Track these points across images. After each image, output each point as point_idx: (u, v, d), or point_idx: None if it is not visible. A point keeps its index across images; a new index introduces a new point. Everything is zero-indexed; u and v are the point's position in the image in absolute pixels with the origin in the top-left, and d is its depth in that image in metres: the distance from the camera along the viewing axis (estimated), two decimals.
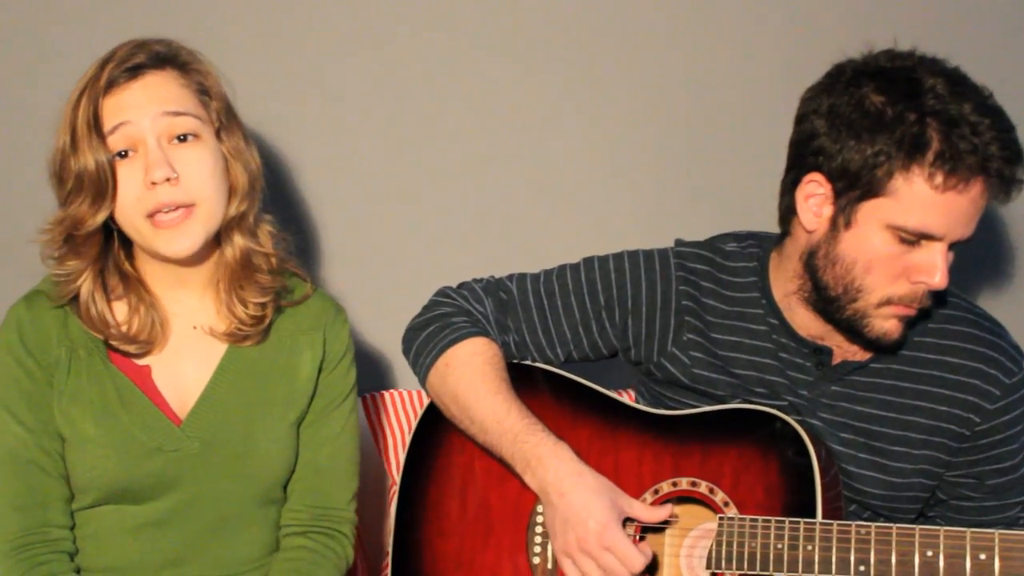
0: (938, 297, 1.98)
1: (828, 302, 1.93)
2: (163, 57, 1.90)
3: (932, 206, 1.82)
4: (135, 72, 1.87)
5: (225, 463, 1.94)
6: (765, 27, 2.59)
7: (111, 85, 1.86)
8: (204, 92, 1.92)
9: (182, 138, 1.88)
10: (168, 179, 1.85)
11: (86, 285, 1.91)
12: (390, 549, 2.13)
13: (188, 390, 1.96)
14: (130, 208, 1.87)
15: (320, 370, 2.03)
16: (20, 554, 1.90)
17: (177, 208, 1.86)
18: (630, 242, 2.16)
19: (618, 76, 2.60)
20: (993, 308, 2.08)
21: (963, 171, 1.80)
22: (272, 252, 1.99)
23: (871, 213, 1.85)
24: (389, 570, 2.12)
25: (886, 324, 1.90)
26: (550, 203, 2.63)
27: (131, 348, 1.93)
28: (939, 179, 1.81)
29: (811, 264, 1.93)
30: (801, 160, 1.92)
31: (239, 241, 1.95)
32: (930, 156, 1.80)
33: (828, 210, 1.90)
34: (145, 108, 1.86)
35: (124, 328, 1.92)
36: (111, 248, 1.94)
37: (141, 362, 1.95)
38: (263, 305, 1.98)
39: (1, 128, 2.52)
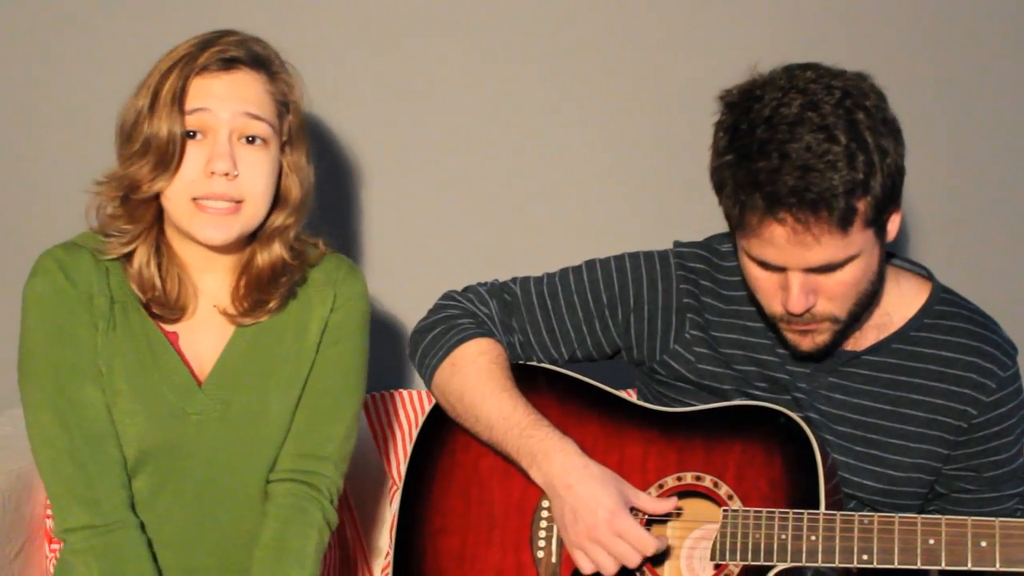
0: (932, 294, 2.03)
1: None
2: (259, 59, 1.97)
3: (753, 244, 1.88)
4: (230, 64, 1.94)
5: (242, 424, 1.99)
6: (765, 27, 2.60)
7: (204, 69, 1.92)
8: (284, 104, 1.99)
9: (251, 139, 1.94)
10: (227, 174, 1.91)
11: (143, 249, 1.97)
12: (392, 547, 2.13)
13: (207, 360, 2.01)
14: (183, 187, 1.93)
15: (327, 319, 2.06)
16: (87, 499, 1.92)
17: (227, 200, 1.93)
18: (632, 245, 2.18)
19: (620, 80, 2.61)
20: (990, 307, 2.10)
21: (750, 221, 1.85)
22: (299, 261, 2.04)
23: (739, 240, 1.93)
24: (391, 568, 2.12)
25: (789, 336, 1.96)
26: (554, 207, 2.64)
27: (168, 312, 1.98)
28: (736, 225, 1.89)
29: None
30: None
31: (277, 250, 2.01)
32: (734, 223, 1.89)
33: None
34: (228, 102, 1.92)
35: (166, 293, 1.98)
36: (163, 219, 2.00)
37: (170, 328, 2.01)
38: (275, 298, 2.03)
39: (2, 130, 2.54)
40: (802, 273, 1.87)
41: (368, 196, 2.61)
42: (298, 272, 2.04)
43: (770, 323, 1.99)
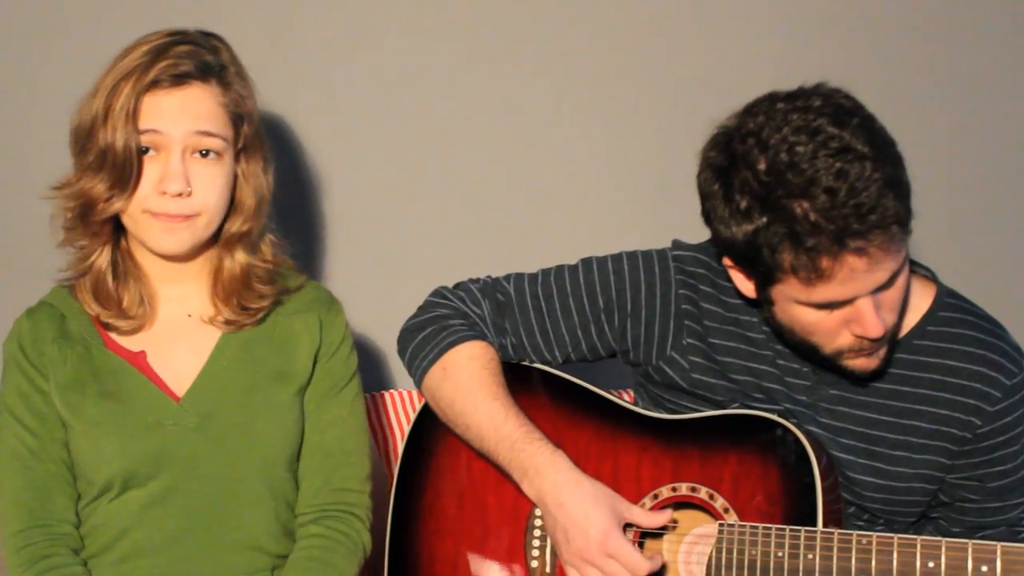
0: (936, 299, 1.98)
1: (797, 351, 1.96)
2: (210, 69, 1.94)
3: (821, 290, 1.80)
4: (180, 80, 1.91)
5: (225, 435, 1.97)
6: (764, 26, 2.58)
7: (155, 84, 1.90)
8: (238, 114, 1.96)
9: (204, 153, 1.93)
10: (180, 193, 1.90)
11: (102, 259, 1.97)
12: (387, 546, 2.12)
13: (184, 373, 2.00)
14: (136, 202, 1.92)
15: (317, 356, 2.05)
16: (23, 544, 1.94)
17: (181, 218, 1.92)
18: (629, 242, 2.14)
19: (617, 76, 2.59)
20: (992, 307, 2.05)
21: (823, 264, 1.76)
22: (272, 263, 2.04)
23: (780, 293, 1.85)
24: (386, 568, 2.11)
25: (855, 363, 1.90)
26: (548, 202, 2.62)
27: (124, 324, 1.98)
28: (804, 276, 1.78)
29: (768, 322, 1.95)
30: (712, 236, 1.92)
31: (240, 257, 2.01)
32: (788, 269, 1.79)
33: (751, 284, 1.90)
34: (179, 121, 1.91)
35: (122, 303, 1.98)
36: (122, 227, 1.99)
37: (135, 348, 1.99)
38: (261, 307, 2.03)
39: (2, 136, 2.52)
40: (870, 296, 1.81)
41: (367, 191, 2.59)
42: (275, 280, 2.04)
43: (819, 359, 1.92)
